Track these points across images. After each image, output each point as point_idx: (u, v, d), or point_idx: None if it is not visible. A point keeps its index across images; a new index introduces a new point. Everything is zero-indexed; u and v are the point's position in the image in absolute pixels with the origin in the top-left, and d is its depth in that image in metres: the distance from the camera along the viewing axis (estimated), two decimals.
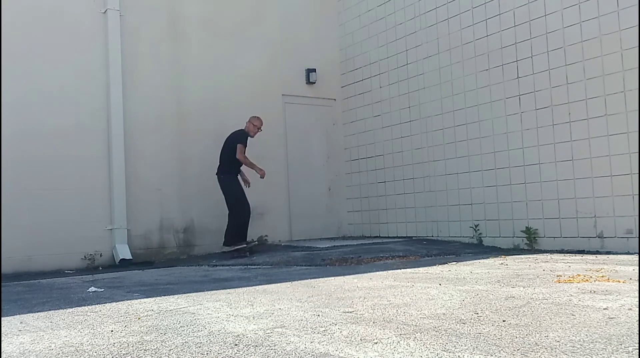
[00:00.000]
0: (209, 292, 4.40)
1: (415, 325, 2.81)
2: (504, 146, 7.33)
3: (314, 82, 9.49)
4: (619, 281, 3.99)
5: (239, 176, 7.84)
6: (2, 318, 3.52)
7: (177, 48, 8.40)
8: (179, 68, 8.38)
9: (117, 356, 2.47)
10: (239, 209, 7.59)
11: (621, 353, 2.18)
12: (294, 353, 2.37)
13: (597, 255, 6.01)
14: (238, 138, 7.66)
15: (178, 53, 8.40)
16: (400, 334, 2.63)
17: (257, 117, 7.96)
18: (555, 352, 2.23)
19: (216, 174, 7.76)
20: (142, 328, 3.05)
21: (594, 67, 6.40)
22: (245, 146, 7.68)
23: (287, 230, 9.11)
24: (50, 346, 2.72)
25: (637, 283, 3.85)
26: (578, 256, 6.00)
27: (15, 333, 3.09)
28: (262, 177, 7.68)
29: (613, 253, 6.05)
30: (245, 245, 7.55)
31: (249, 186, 7.85)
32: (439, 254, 6.76)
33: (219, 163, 7.79)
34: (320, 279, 4.92)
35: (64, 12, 7.60)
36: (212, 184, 8.47)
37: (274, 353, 2.38)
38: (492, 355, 2.21)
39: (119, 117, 7.77)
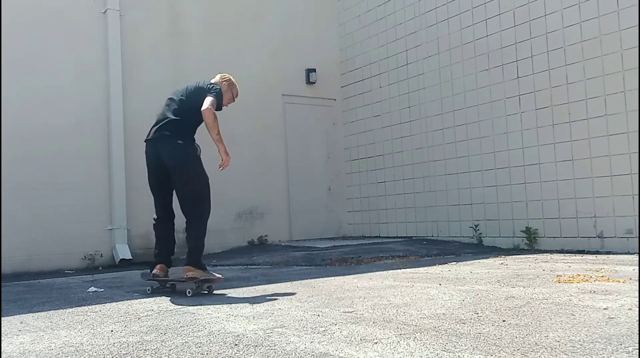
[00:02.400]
0: None
1: (415, 325, 2.81)
2: (504, 146, 7.33)
3: (314, 82, 9.49)
4: (619, 281, 3.99)
5: None
6: (2, 318, 3.52)
7: (177, 48, 8.40)
8: (179, 68, 8.37)
9: (117, 356, 2.47)
10: (207, 209, 4.64)
11: (621, 353, 2.18)
12: (294, 353, 2.36)
13: (597, 255, 6.00)
14: (211, 91, 4.56)
15: (178, 53, 8.39)
16: (400, 334, 2.63)
17: (236, 84, 5.16)
18: (555, 352, 2.23)
19: (158, 132, 4.59)
20: (142, 328, 3.05)
21: (594, 67, 6.40)
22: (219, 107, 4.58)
23: (287, 230, 9.10)
24: (50, 346, 2.72)
25: (637, 283, 3.85)
26: (578, 256, 6.00)
27: (15, 333, 3.09)
28: (221, 167, 4.62)
29: (613, 253, 6.05)
30: (213, 277, 4.42)
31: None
32: (439, 254, 6.76)
33: (164, 118, 4.61)
34: (320, 279, 4.91)
35: (64, 12, 7.59)
36: (212, 183, 8.44)
37: (274, 353, 2.38)
38: (492, 355, 2.21)
39: (119, 117, 7.77)
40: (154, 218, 4.87)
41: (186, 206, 4.56)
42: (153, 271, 4.60)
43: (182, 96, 4.62)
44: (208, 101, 4.42)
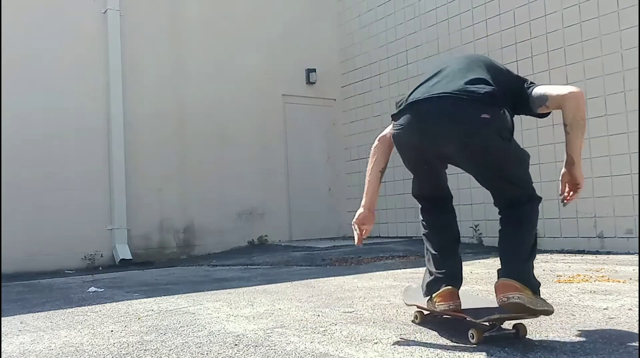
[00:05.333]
0: (209, 292, 4.40)
1: (415, 325, 2.81)
2: None
3: (314, 82, 9.49)
4: (619, 281, 3.99)
5: None
6: (2, 318, 3.52)
7: (177, 48, 8.41)
8: (179, 68, 8.39)
9: (117, 356, 2.47)
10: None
11: (621, 353, 2.18)
12: (294, 353, 2.36)
13: (597, 255, 6.00)
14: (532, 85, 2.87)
15: (178, 53, 8.40)
16: (400, 334, 2.63)
17: None
18: (556, 352, 2.23)
19: (455, 110, 2.45)
20: (142, 328, 3.05)
21: (594, 67, 6.40)
22: None
23: (287, 230, 9.11)
24: (50, 346, 2.72)
25: (637, 283, 3.85)
26: (578, 256, 6.00)
27: (15, 333, 3.09)
28: (566, 201, 2.92)
29: (613, 253, 6.05)
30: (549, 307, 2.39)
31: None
32: None
33: (462, 73, 2.57)
34: (320, 279, 4.91)
35: (64, 12, 7.60)
36: (213, 184, 8.47)
37: (274, 353, 2.38)
38: (492, 355, 2.21)
39: (119, 117, 7.78)
40: (423, 206, 2.84)
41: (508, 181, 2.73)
42: (441, 306, 2.57)
43: (480, 65, 2.65)
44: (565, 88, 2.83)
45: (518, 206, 2.71)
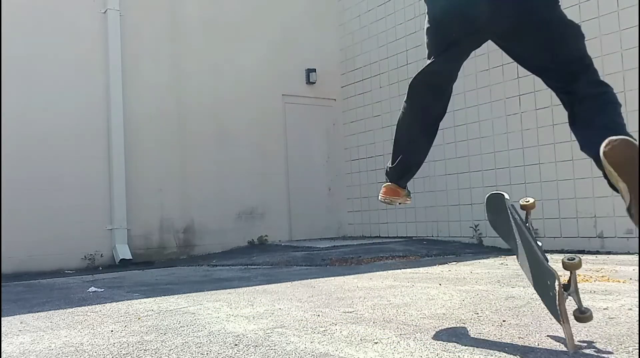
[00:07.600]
0: (209, 292, 4.40)
1: (415, 325, 2.80)
2: (504, 146, 7.33)
3: (314, 82, 9.50)
4: (619, 281, 3.99)
5: None
6: (2, 318, 3.52)
7: (177, 48, 8.41)
8: (179, 68, 8.39)
9: (117, 356, 2.47)
10: None
11: (621, 353, 2.18)
12: (294, 353, 2.36)
13: (597, 255, 6.00)
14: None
15: (178, 53, 8.40)
16: (400, 334, 2.63)
17: None
18: (556, 352, 2.23)
19: None
20: (142, 328, 3.05)
21: None
22: None
23: (287, 230, 9.11)
24: (50, 346, 2.72)
25: (637, 283, 3.85)
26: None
27: (15, 333, 3.09)
28: None
29: (613, 253, 6.05)
30: None
31: None
32: (439, 254, 6.76)
33: None
34: (320, 279, 4.91)
35: (64, 12, 7.60)
36: (213, 184, 8.47)
37: (274, 353, 2.38)
38: (492, 355, 2.21)
39: (119, 117, 7.78)
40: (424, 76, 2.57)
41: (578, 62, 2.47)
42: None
43: None
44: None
45: (604, 86, 2.32)
